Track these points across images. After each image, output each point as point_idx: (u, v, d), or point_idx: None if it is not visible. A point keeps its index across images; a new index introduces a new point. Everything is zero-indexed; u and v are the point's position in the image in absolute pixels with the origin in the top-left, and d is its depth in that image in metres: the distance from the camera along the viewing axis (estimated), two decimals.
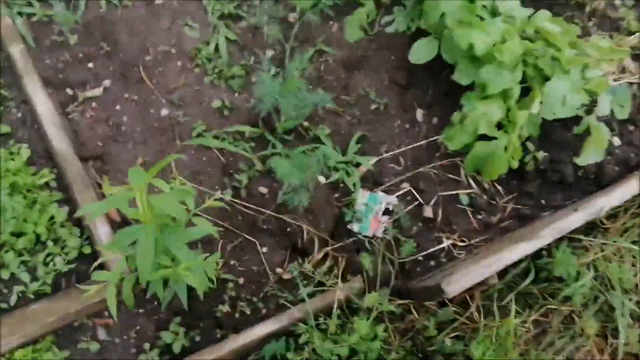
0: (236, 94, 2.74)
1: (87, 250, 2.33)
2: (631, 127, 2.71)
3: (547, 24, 2.37)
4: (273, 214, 2.50)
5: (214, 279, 2.13)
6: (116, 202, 1.73)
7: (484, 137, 2.45)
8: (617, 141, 2.67)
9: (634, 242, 2.58)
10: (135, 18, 2.79)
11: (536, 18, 2.45)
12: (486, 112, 2.37)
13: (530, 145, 2.55)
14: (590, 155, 2.44)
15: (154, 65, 2.73)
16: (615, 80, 2.80)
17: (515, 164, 2.43)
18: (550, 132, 2.59)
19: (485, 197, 2.58)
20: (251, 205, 2.51)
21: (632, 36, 2.87)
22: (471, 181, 2.60)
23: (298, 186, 2.41)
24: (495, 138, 2.41)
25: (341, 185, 2.62)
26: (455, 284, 2.16)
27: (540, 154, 2.55)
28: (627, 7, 2.88)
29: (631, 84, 2.80)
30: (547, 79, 2.48)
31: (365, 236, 2.56)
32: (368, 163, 2.61)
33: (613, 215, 2.64)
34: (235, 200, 2.52)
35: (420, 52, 2.58)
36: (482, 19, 2.50)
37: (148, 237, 1.74)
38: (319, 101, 2.45)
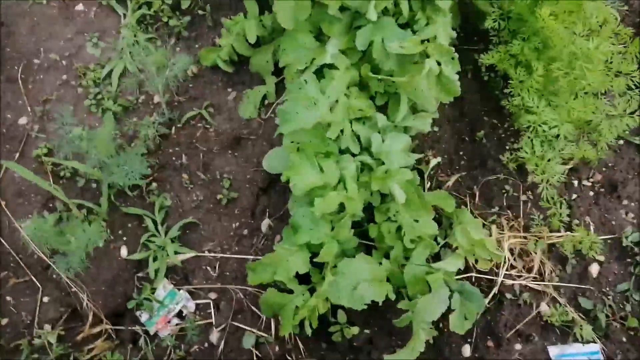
0: None
1: None
2: (491, 343, 2.14)
3: (396, 187, 1.90)
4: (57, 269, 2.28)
5: None
6: None
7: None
8: (466, 351, 2.13)
9: None
10: (43, 17, 2.66)
11: (397, 173, 1.98)
12: (288, 260, 1.96)
13: (342, 316, 2.09)
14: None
15: (37, 70, 2.60)
16: (515, 278, 2.23)
17: (309, 330, 2.00)
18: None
19: (277, 348, 2.17)
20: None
21: (558, 234, 2.27)
22: (273, 323, 2.20)
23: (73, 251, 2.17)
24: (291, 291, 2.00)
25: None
26: None
27: (355, 330, 2.09)
28: (557, 205, 2.26)
29: (526, 286, 2.23)
30: (391, 247, 2.03)
31: (146, 331, 2.27)
32: (176, 258, 2.29)
33: None
34: None
35: (274, 162, 2.21)
36: (346, 151, 2.08)
37: None
38: (126, 173, 2.20)
